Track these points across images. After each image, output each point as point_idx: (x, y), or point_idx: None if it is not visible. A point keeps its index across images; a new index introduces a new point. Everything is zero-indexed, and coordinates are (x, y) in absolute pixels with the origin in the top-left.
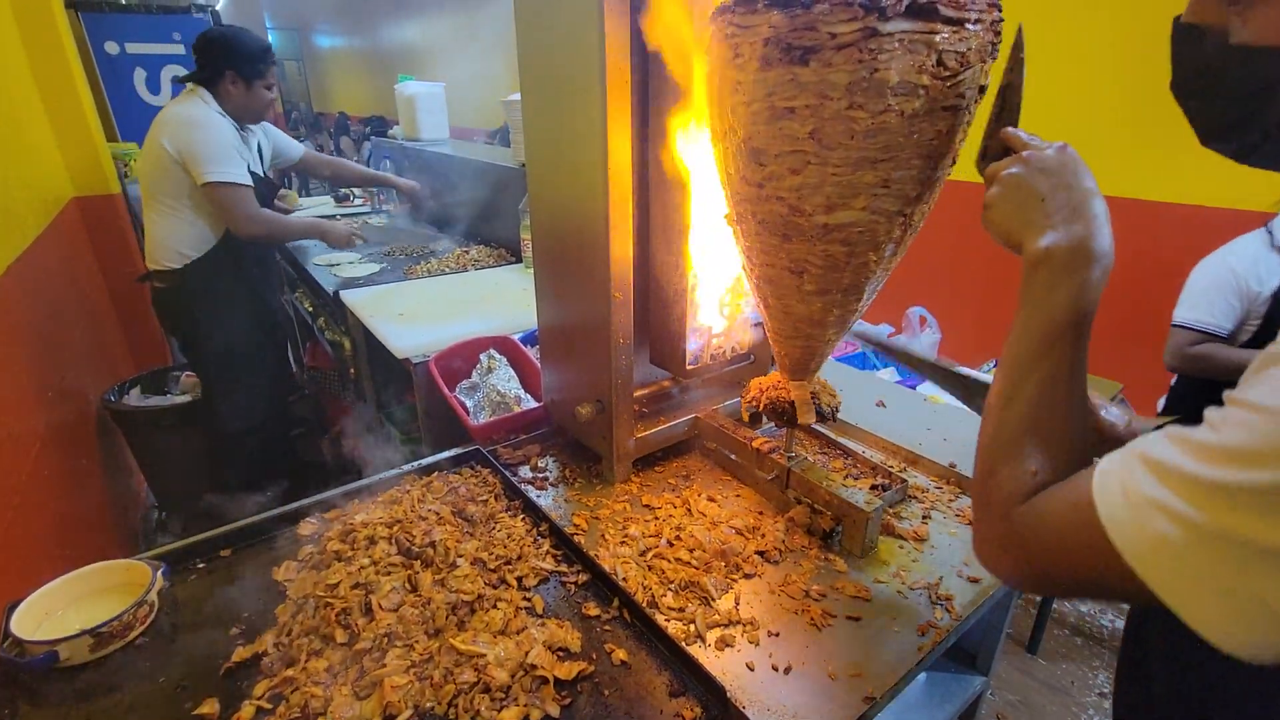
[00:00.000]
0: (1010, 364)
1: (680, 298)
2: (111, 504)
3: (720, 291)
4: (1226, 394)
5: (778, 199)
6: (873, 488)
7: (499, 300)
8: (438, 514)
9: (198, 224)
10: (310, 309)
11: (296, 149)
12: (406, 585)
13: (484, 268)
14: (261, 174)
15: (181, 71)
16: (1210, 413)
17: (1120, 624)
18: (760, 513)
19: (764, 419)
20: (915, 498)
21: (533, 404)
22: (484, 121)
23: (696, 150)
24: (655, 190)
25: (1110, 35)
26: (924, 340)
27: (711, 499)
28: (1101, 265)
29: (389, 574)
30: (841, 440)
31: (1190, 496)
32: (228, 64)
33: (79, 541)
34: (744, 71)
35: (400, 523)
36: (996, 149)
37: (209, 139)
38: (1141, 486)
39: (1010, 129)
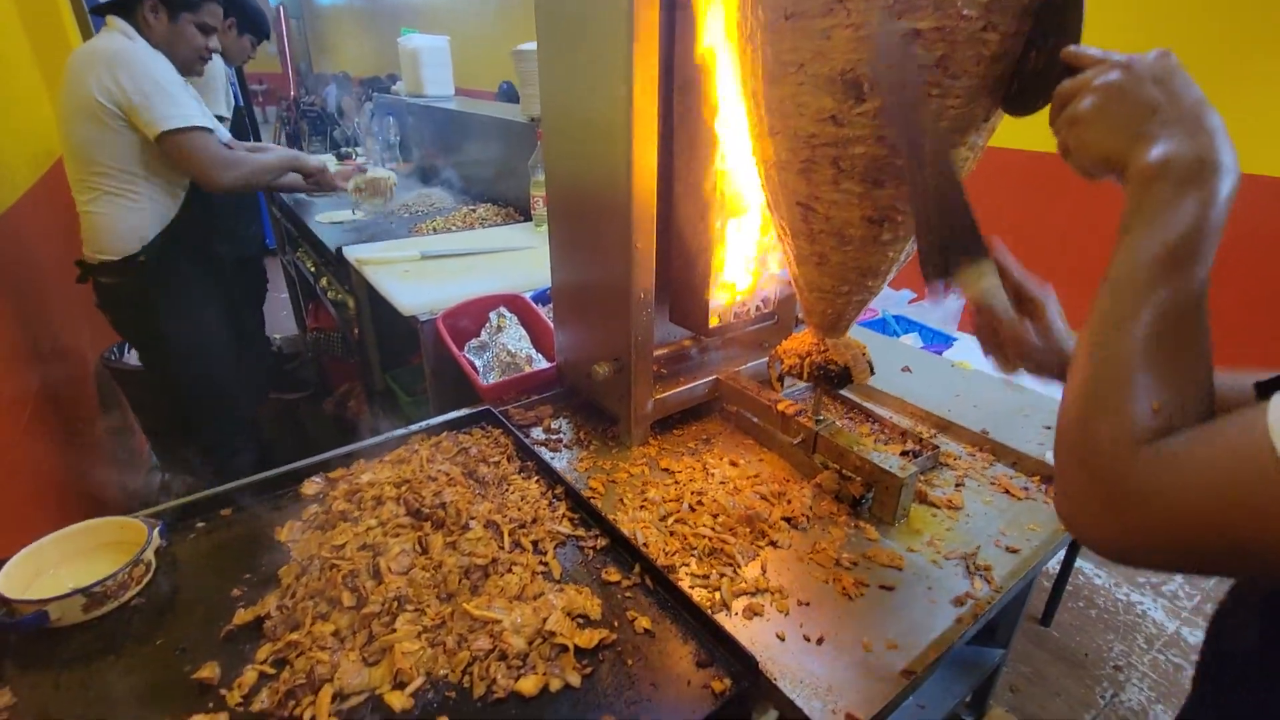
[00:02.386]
0: (1120, 288)
1: (704, 251)
2: (113, 465)
3: (746, 246)
4: None
5: (877, 139)
6: (903, 454)
7: (508, 258)
8: (448, 474)
9: (154, 193)
10: (313, 269)
11: (224, 133)
12: (416, 547)
13: (492, 226)
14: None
15: None
16: None
17: (1135, 597)
18: (786, 478)
19: (784, 382)
20: (947, 465)
21: (544, 364)
22: (487, 83)
23: (729, 89)
24: (680, 137)
25: None
26: (948, 306)
27: (734, 463)
28: (1230, 180)
29: (397, 535)
30: (868, 405)
31: None
32: None
33: (78, 503)
34: None
35: (409, 483)
36: (1048, 80)
37: (151, 75)
38: None
39: (1072, 47)
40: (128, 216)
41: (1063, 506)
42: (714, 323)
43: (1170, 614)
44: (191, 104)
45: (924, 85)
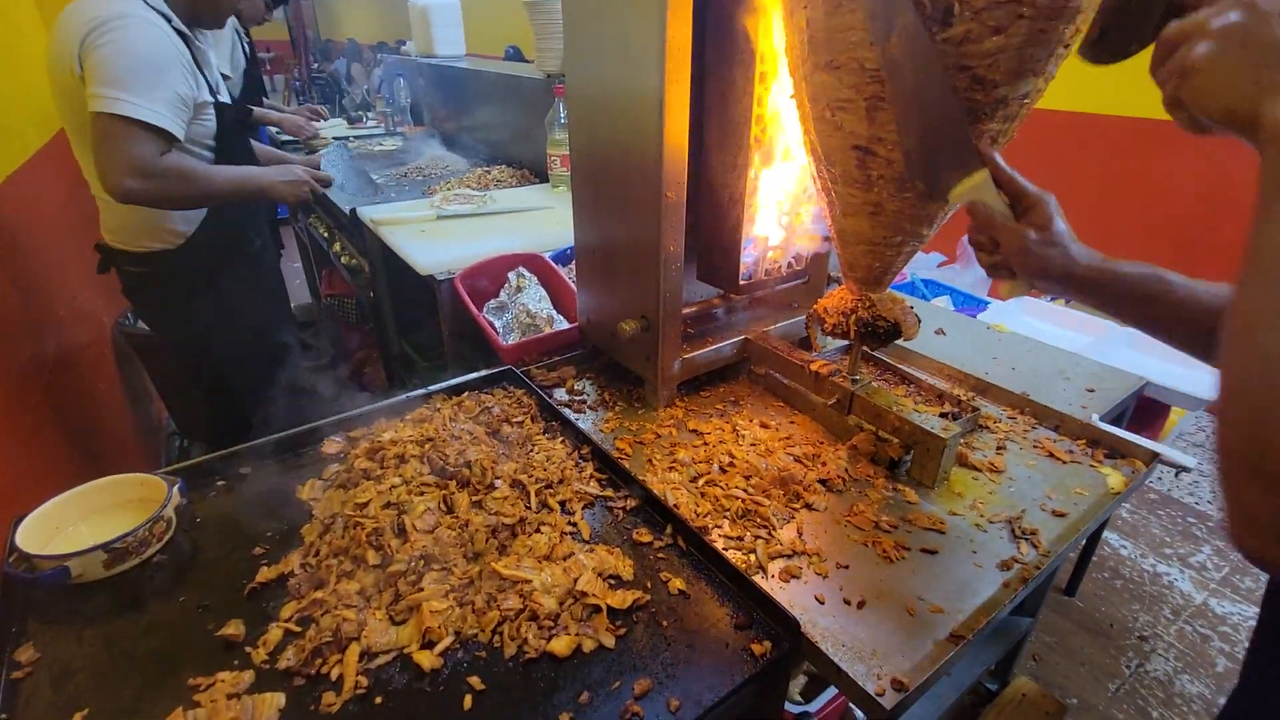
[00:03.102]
0: (1274, 269)
1: (736, 203)
2: (131, 430)
3: (781, 199)
4: None
5: (961, 68)
6: (941, 415)
7: (526, 218)
8: (471, 434)
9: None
10: (325, 234)
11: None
12: (442, 506)
13: (507, 187)
14: (230, 97)
15: None
16: None
17: (1162, 568)
18: (819, 440)
19: (818, 341)
20: (987, 428)
21: (565, 325)
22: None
23: (773, 25)
24: (713, 82)
25: None
26: (978, 271)
27: (764, 425)
28: None
29: (422, 494)
30: (902, 368)
31: None
32: None
33: (97, 469)
34: None
35: (432, 441)
36: (1145, 21)
37: (124, 44)
38: None
39: None
40: (158, 213)
41: (1238, 528)
42: (744, 279)
43: (1198, 585)
44: (154, 94)
45: None
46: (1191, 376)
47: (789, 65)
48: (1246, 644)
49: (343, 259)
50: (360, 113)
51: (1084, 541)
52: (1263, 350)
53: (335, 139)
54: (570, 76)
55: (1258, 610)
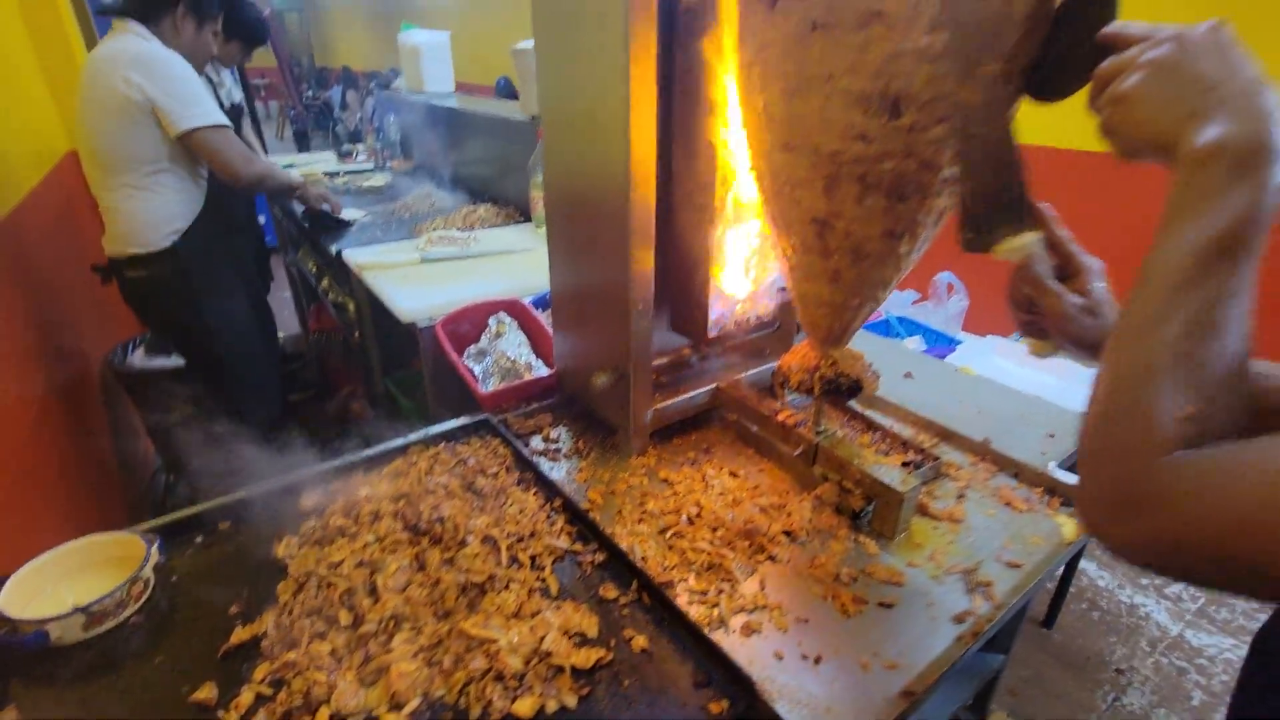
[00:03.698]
0: (1161, 279)
1: (703, 261)
2: (117, 467)
3: (746, 255)
4: None
5: (907, 154)
6: (904, 465)
7: (508, 261)
8: (446, 487)
9: (182, 184)
10: (314, 269)
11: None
12: (414, 564)
13: (492, 227)
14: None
15: None
16: None
17: (1139, 599)
18: (786, 490)
19: (785, 395)
20: (949, 476)
21: (543, 370)
22: (485, 77)
23: (733, 99)
24: (679, 144)
25: None
26: (951, 307)
27: (733, 474)
28: None
29: (395, 551)
30: (869, 414)
31: None
32: None
33: (83, 506)
34: (895, 1)
35: (406, 497)
36: (1081, 61)
37: (180, 75)
38: None
39: (1116, 23)
40: (161, 208)
41: (1082, 504)
42: (713, 333)
43: (1174, 616)
44: (211, 101)
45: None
46: None
47: (748, 141)
48: (1222, 677)
49: (330, 296)
50: (351, 146)
51: (1058, 573)
52: (1136, 351)
53: (325, 173)
54: (545, 134)
55: (1233, 641)
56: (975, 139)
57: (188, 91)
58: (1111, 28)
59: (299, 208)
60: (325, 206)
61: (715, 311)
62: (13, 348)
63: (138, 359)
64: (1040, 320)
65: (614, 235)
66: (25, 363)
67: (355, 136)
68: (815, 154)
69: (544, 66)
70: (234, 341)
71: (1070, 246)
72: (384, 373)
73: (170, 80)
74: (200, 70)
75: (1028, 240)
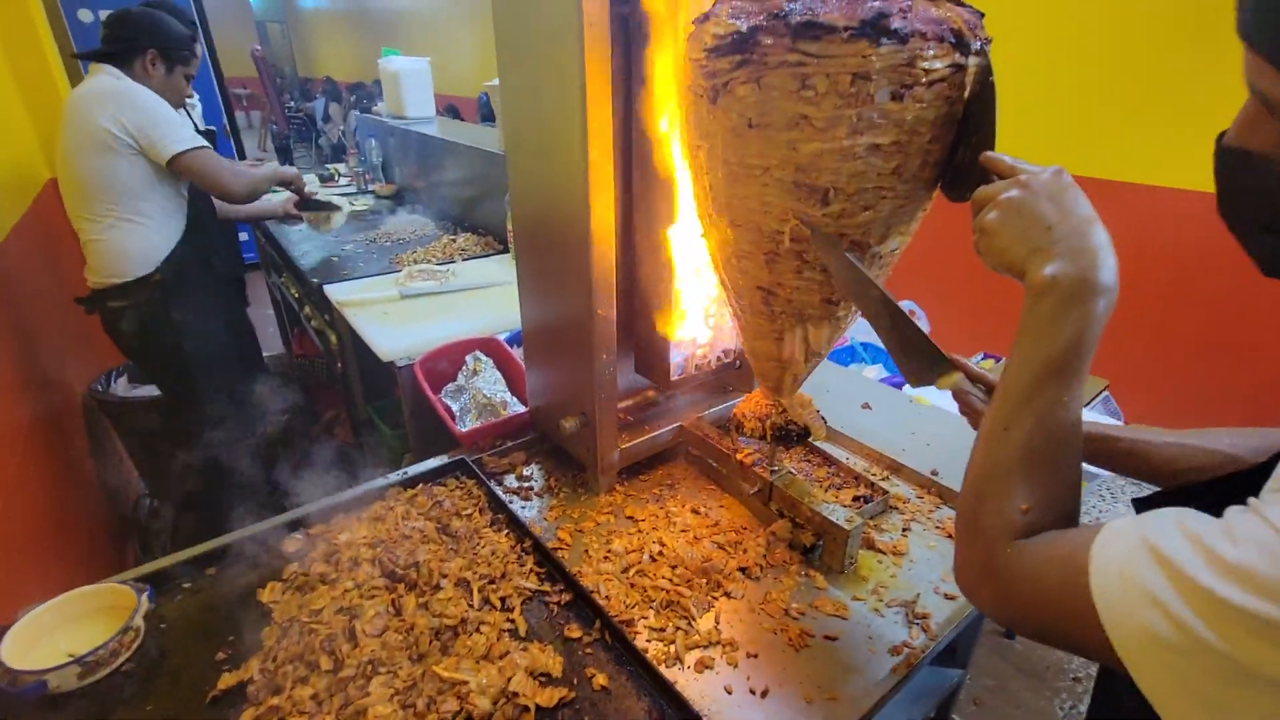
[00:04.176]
0: (1008, 392)
1: (664, 309)
2: (102, 493)
3: (706, 303)
4: (1252, 501)
5: (839, 235)
6: (855, 499)
7: (486, 295)
8: (421, 531)
9: (163, 213)
10: (296, 295)
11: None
12: (390, 609)
13: (471, 258)
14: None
15: None
16: (1231, 517)
17: None
18: (744, 526)
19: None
20: (896, 508)
21: (518, 407)
22: (469, 89)
23: (684, 165)
24: (640, 202)
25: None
26: None
27: (695, 510)
28: (1107, 299)
29: (373, 597)
30: (824, 447)
31: (1196, 605)
32: (151, 41)
33: (70, 534)
34: (818, 107)
35: (384, 543)
36: (972, 174)
37: (157, 106)
38: (1145, 577)
39: (989, 153)
40: (142, 238)
41: (956, 567)
42: (676, 376)
43: None
44: (188, 127)
45: (797, 129)
46: None
47: (697, 212)
48: None
49: (312, 323)
50: (332, 169)
51: (974, 620)
52: (989, 451)
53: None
54: (511, 169)
55: None
56: (881, 322)
57: (165, 120)
58: (987, 157)
59: (279, 195)
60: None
61: (677, 357)
62: (1, 383)
63: (120, 387)
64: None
65: (578, 288)
66: (13, 397)
67: (339, 149)
68: (758, 232)
69: (508, 110)
70: (211, 366)
71: (989, 378)
72: (366, 400)
73: (146, 111)
74: (176, 109)
75: (955, 378)
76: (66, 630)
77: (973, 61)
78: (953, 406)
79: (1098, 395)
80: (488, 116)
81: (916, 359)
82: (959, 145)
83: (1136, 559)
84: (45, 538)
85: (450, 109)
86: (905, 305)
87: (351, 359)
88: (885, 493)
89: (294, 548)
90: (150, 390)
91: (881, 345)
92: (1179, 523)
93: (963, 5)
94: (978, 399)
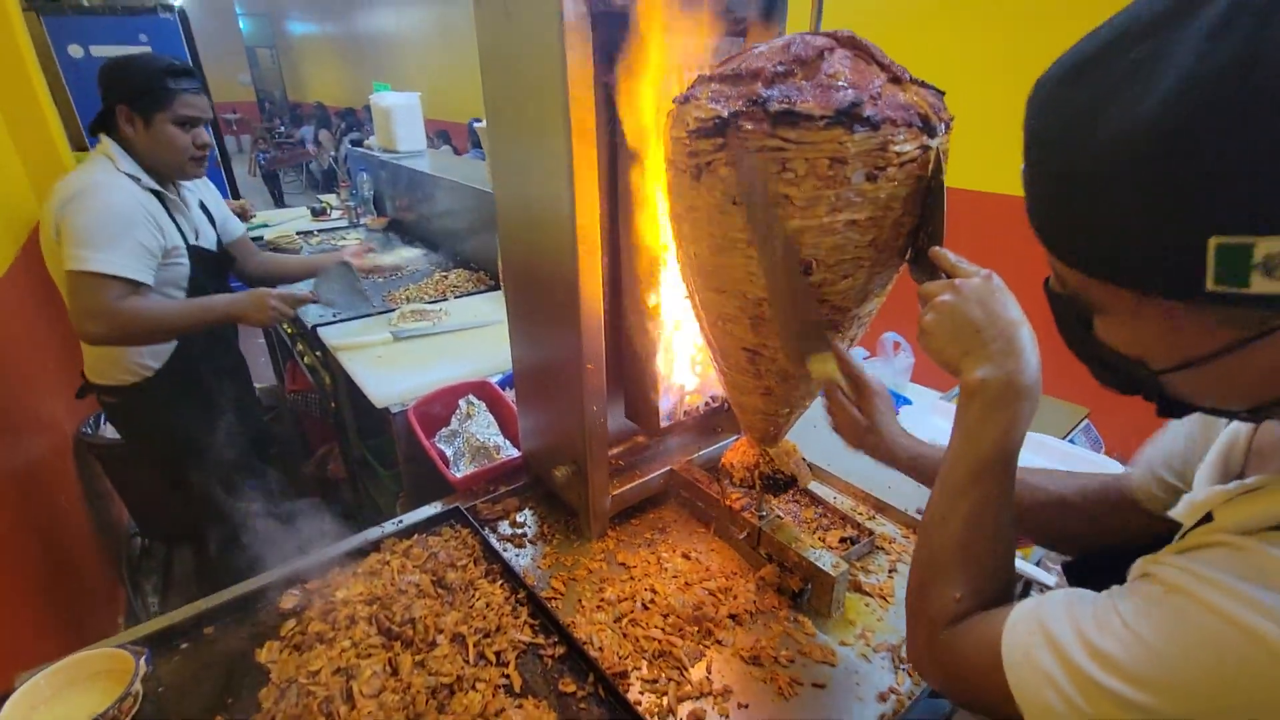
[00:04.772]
0: (943, 487)
1: (651, 360)
2: (93, 533)
3: (692, 353)
4: (1114, 590)
5: (821, 301)
6: (842, 540)
7: (478, 335)
8: (417, 585)
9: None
10: (289, 332)
11: (237, 226)
12: (387, 668)
13: (464, 295)
14: (211, 246)
15: None
16: (1101, 603)
17: None
18: (734, 571)
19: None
20: (882, 549)
21: (511, 450)
22: (459, 114)
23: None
24: (626, 259)
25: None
26: (898, 364)
27: (685, 555)
28: (1030, 400)
29: (369, 656)
30: (812, 487)
31: (1076, 683)
32: (118, 97)
33: (62, 575)
34: (798, 187)
35: (380, 600)
36: (926, 264)
37: (91, 209)
38: (1040, 657)
39: (937, 249)
40: (125, 350)
41: (908, 650)
42: (665, 423)
43: None
44: (121, 249)
45: (778, 207)
46: None
47: (682, 275)
48: None
49: (305, 360)
50: (324, 202)
51: None
52: (928, 543)
53: (299, 233)
54: (501, 216)
55: None
56: (781, 286)
57: (94, 227)
58: (935, 253)
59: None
60: (274, 315)
61: (666, 404)
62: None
63: (110, 430)
64: (840, 426)
65: (567, 343)
66: (7, 444)
67: (329, 175)
68: (743, 298)
69: (497, 159)
70: (206, 463)
71: (857, 374)
72: (360, 438)
73: (82, 212)
74: (187, 173)
75: (829, 364)
76: (64, 698)
77: (937, 141)
78: (942, 436)
79: (1078, 424)
80: (478, 143)
81: (802, 336)
82: (918, 232)
83: (1035, 640)
84: (39, 590)
85: (441, 135)
86: (890, 336)
87: (345, 399)
88: (871, 533)
89: (291, 604)
90: None
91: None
92: (1067, 607)
93: (926, 86)
94: (844, 397)
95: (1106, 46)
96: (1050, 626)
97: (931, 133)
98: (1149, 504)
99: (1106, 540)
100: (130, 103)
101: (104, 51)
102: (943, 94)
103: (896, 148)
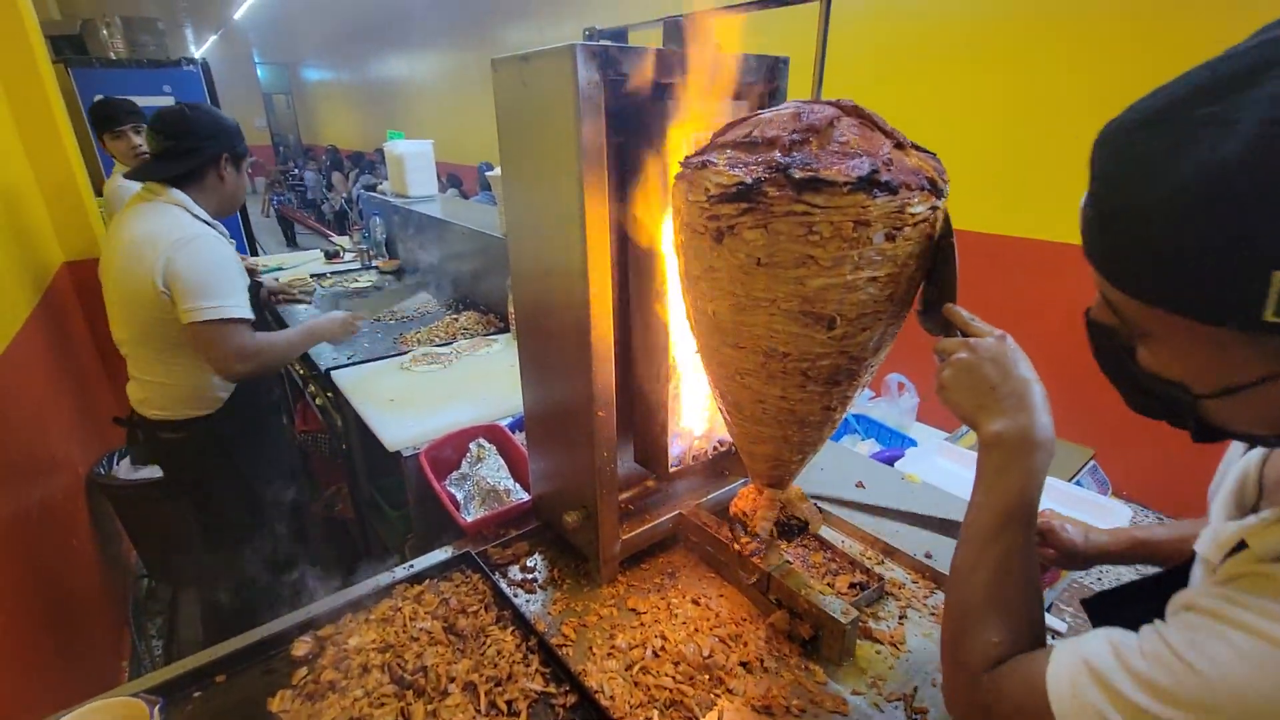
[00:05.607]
0: (972, 536)
1: (661, 407)
2: (101, 573)
3: (701, 399)
4: (1158, 624)
5: (841, 353)
6: (851, 585)
7: (489, 378)
8: (429, 632)
9: None
10: (300, 372)
11: None
12: (400, 718)
13: (474, 336)
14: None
15: None
16: (1145, 634)
17: None
18: (744, 618)
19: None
20: (892, 594)
21: (521, 494)
22: (470, 156)
23: (676, 274)
24: (637, 311)
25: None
26: (903, 405)
27: (695, 601)
28: (1045, 451)
29: (382, 705)
30: (822, 531)
31: (1125, 713)
32: (222, 146)
33: (70, 616)
34: (824, 249)
35: (392, 647)
36: (938, 312)
37: (209, 260)
38: (1086, 692)
39: (951, 305)
40: (202, 380)
41: (946, 697)
42: (674, 467)
43: None
44: (240, 292)
45: (804, 267)
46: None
47: (693, 332)
48: None
49: (316, 400)
50: (337, 245)
51: None
52: (961, 591)
53: (313, 275)
54: (514, 262)
55: None
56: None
57: (216, 281)
58: (949, 310)
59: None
60: (356, 328)
61: (675, 449)
62: (12, 468)
63: (123, 470)
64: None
65: (578, 390)
66: (20, 487)
67: (341, 216)
68: (764, 354)
69: (512, 233)
70: (257, 504)
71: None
72: (370, 479)
73: (203, 268)
74: (234, 210)
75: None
76: None
77: (943, 202)
78: (948, 477)
79: (1084, 465)
80: (487, 186)
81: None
82: (928, 285)
83: (1080, 677)
84: (48, 629)
85: (452, 178)
86: (894, 377)
87: (356, 440)
88: (881, 579)
89: (303, 651)
90: (153, 471)
91: (875, 418)
92: (1110, 644)
93: (925, 151)
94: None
95: (1183, 100)
96: (1095, 663)
97: (939, 194)
98: None
99: None
100: (231, 150)
101: None
102: (937, 157)
103: (912, 209)
